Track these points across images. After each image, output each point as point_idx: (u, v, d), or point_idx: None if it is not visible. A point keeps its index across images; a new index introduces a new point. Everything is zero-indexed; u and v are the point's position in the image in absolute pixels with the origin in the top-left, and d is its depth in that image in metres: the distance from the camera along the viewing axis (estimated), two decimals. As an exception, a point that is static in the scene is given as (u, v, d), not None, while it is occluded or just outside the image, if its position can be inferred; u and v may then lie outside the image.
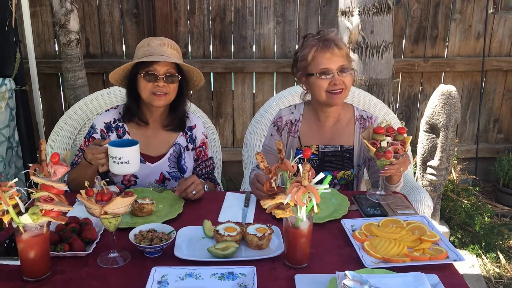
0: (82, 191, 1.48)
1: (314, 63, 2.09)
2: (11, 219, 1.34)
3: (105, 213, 1.44)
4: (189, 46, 4.00)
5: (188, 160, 2.28)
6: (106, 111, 2.28)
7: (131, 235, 1.58)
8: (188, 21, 3.95)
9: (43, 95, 3.94)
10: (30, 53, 3.31)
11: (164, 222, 1.73)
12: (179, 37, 3.96)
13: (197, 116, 2.40)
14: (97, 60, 3.93)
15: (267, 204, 1.49)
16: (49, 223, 1.41)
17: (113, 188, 1.52)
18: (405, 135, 1.87)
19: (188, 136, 2.29)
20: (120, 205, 1.45)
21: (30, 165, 1.40)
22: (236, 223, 1.70)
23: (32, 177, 1.36)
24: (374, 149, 1.80)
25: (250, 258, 1.53)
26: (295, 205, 1.43)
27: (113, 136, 2.20)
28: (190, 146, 2.29)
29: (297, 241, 1.49)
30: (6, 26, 2.79)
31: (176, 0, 3.87)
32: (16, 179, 1.38)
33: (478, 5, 4.06)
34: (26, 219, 1.34)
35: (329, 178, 1.48)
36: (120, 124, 2.22)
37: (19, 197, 1.34)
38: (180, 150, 2.26)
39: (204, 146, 2.33)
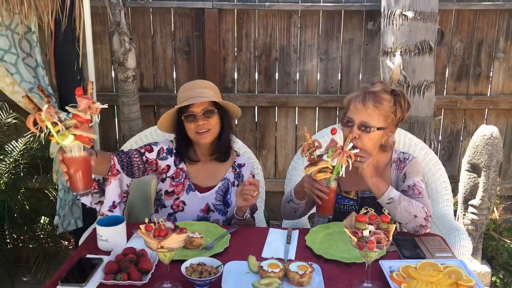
0: (142, 226, 1.64)
1: (347, 109, 2.15)
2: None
3: (162, 247, 1.60)
4: (236, 81, 4.20)
5: (233, 196, 2.39)
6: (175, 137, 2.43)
7: (182, 268, 1.72)
8: (236, 58, 4.16)
9: (100, 124, 4.21)
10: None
11: (211, 256, 1.87)
12: (226, 73, 4.17)
13: (245, 157, 2.56)
14: (150, 94, 4.19)
15: (310, 170, 1.97)
16: (84, 147, 1.69)
17: (169, 224, 1.68)
18: (389, 223, 1.73)
19: (236, 172, 2.43)
20: (175, 240, 1.61)
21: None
22: (278, 259, 1.81)
23: (66, 107, 1.66)
24: (356, 239, 1.64)
25: (291, 294, 1.64)
26: (333, 167, 1.94)
27: (170, 160, 2.36)
28: (236, 183, 2.42)
29: (329, 196, 2.04)
30: (75, 66, 3.07)
31: (225, 39, 4.10)
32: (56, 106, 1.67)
33: (522, 44, 4.06)
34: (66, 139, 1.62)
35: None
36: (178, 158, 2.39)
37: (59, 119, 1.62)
38: (228, 184, 2.40)
39: None
